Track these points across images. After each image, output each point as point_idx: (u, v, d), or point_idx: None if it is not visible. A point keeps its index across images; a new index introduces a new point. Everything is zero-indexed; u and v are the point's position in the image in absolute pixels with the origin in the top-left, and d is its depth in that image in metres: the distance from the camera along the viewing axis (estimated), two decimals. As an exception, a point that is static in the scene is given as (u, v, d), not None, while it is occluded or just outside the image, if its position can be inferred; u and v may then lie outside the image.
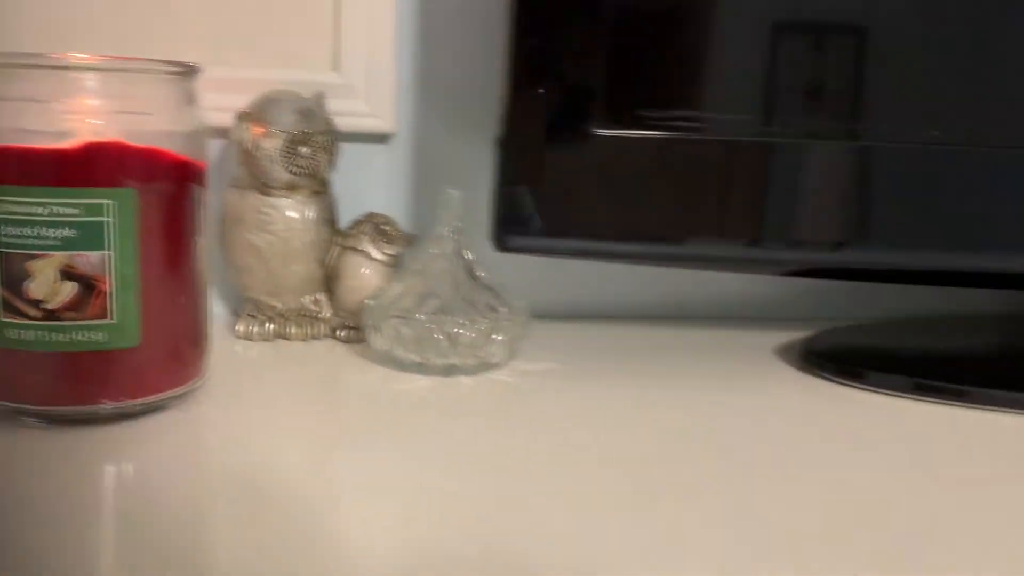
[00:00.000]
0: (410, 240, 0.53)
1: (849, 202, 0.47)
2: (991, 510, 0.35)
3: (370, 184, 0.58)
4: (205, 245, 0.42)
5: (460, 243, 0.49)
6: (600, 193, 0.46)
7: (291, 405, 0.44)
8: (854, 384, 0.50)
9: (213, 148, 0.56)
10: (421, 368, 0.47)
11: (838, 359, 0.52)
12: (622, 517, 0.32)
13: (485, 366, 0.48)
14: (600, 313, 0.63)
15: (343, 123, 0.54)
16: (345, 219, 0.54)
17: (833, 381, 0.51)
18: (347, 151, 0.57)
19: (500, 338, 0.47)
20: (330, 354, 0.52)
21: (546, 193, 0.46)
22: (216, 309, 0.59)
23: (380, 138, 0.58)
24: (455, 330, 0.46)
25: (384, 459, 0.37)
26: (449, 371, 0.47)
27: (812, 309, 0.65)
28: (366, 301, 0.49)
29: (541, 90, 0.45)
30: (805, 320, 0.62)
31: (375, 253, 0.52)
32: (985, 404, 0.47)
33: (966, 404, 0.47)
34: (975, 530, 0.33)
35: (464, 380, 0.47)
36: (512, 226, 0.46)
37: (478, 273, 0.49)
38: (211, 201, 0.54)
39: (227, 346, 0.52)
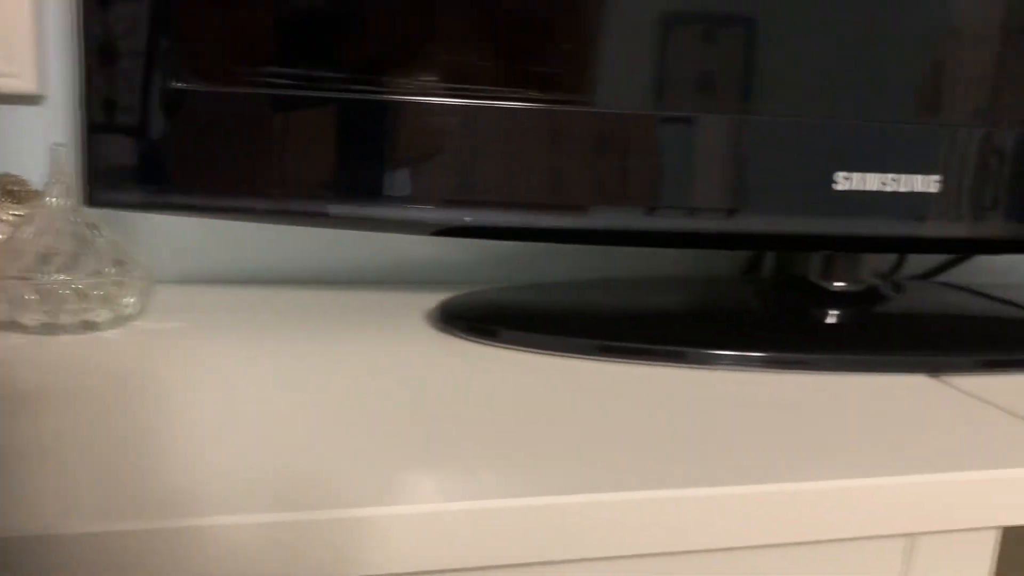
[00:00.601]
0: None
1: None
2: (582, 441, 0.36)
3: (26, 146, 0.57)
4: None
5: (69, 199, 0.48)
6: (188, 148, 0.46)
7: None
8: (488, 342, 0.51)
9: None
10: (21, 328, 0.47)
11: (467, 318, 0.53)
12: (188, 464, 0.32)
13: (89, 325, 0.48)
14: (279, 278, 0.63)
15: (-20, 83, 0.53)
16: None
17: (466, 339, 0.52)
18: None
19: (101, 294, 0.47)
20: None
21: (131, 148, 0.45)
22: None
23: (31, 99, 0.57)
24: (49, 287, 0.46)
25: None
26: (50, 330, 0.47)
27: (505, 273, 0.66)
28: (-26, 261, 0.49)
29: (116, 46, 0.44)
30: (487, 283, 0.63)
31: (1, 214, 0.51)
32: (609, 356, 0.49)
33: (579, 356, 0.49)
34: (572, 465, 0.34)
35: (64, 339, 0.47)
36: (99, 182, 0.46)
37: (95, 231, 0.48)
38: None
39: None
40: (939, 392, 0.45)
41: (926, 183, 0.52)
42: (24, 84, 0.55)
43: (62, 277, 0.46)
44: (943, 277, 0.76)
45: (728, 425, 0.39)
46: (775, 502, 0.34)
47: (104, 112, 0.45)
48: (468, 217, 0.49)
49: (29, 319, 0.46)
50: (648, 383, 0.45)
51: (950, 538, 0.37)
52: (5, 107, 0.56)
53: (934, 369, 0.48)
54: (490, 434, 0.37)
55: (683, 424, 0.39)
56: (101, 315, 0.48)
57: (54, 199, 0.48)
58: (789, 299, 0.60)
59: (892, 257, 0.73)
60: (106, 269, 0.47)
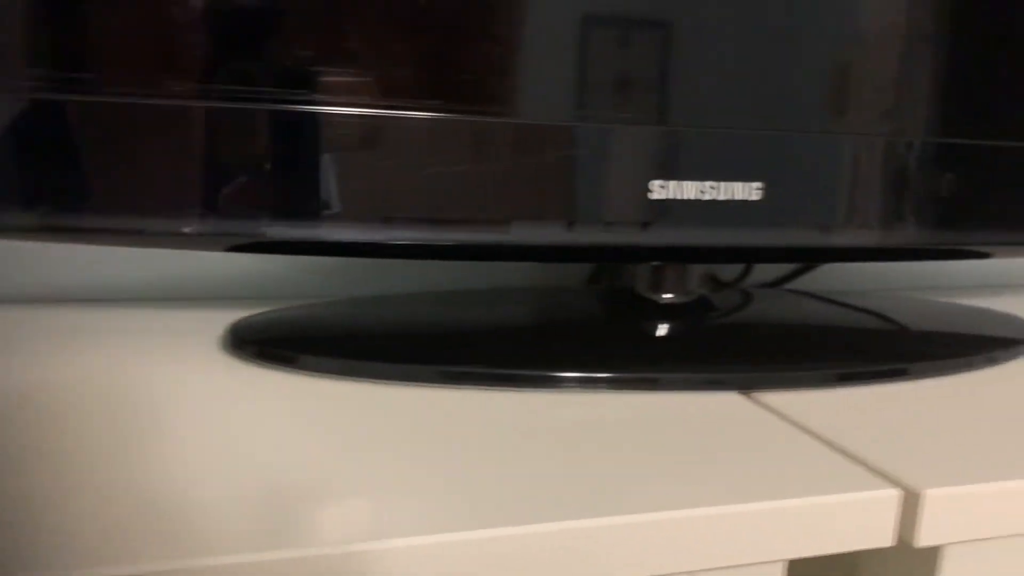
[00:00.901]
0: None
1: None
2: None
3: None
4: None
5: None
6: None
7: None
8: (286, 369, 0.47)
9: None
10: None
11: (258, 341, 0.49)
12: None
13: None
14: (66, 296, 0.58)
15: None
16: None
17: (259, 366, 0.47)
18: None
19: None
20: None
21: None
22: None
23: None
24: None
25: None
26: None
27: (340, 286, 0.62)
28: None
29: None
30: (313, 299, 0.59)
31: None
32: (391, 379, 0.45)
33: (392, 383, 0.45)
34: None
35: None
36: None
37: None
38: None
39: None
40: (745, 412, 0.43)
41: (747, 191, 0.50)
42: None
43: None
44: (801, 283, 0.75)
45: (514, 459, 0.36)
46: (541, 543, 0.31)
47: None
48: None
49: None
50: (439, 408, 0.41)
51: (733, 573, 0.35)
52: None
53: (744, 386, 0.46)
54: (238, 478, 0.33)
55: (466, 462, 0.36)
56: None
57: None
58: (620, 312, 0.57)
59: (739, 266, 0.72)
60: None
